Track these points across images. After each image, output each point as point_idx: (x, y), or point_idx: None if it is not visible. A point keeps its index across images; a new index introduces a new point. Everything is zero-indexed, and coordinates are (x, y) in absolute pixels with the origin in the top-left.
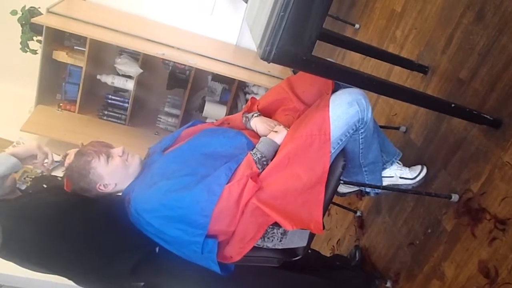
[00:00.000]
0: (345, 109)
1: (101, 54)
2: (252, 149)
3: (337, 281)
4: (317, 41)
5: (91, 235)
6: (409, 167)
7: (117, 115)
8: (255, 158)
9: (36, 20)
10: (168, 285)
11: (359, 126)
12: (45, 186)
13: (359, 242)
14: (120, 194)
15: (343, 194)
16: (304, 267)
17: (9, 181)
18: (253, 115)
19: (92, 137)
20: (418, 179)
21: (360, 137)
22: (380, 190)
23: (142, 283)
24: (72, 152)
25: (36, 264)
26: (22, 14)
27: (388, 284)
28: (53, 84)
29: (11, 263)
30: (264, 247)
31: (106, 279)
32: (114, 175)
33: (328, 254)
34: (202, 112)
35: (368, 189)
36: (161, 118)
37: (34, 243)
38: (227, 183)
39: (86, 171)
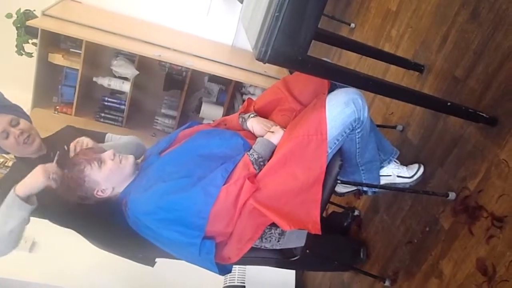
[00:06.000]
0: (341, 109)
1: (97, 57)
2: (249, 150)
3: (326, 243)
4: (313, 41)
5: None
6: (406, 165)
7: (113, 117)
8: (252, 159)
9: (31, 23)
10: None
11: (355, 126)
12: None
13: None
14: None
15: (340, 194)
16: None
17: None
18: (249, 115)
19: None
20: (415, 177)
21: (357, 136)
22: (377, 189)
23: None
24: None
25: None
26: (17, 17)
27: (387, 283)
28: (49, 87)
29: (9, 266)
30: (262, 247)
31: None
32: (109, 179)
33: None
34: (199, 113)
35: (365, 188)
36: (158, 119)
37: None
38: (224, 184)
39: (82, 180)
